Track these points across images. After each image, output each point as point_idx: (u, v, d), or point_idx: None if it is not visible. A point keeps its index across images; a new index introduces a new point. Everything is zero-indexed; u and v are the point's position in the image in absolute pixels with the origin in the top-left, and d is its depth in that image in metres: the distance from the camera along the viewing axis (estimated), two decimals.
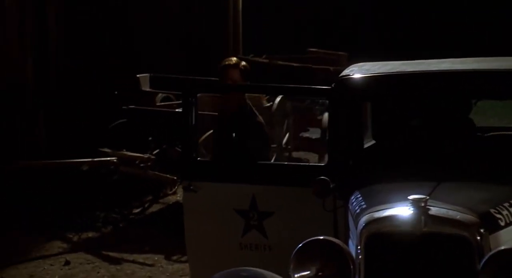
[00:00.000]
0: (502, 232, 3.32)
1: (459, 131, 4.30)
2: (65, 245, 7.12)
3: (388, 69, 4.33)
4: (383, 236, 3.30)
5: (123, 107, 8.16)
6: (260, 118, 5.31)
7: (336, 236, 4.01)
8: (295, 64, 11.26)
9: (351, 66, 4.65)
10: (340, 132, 4.22)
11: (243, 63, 5.03)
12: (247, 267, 3.73)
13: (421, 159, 4.12)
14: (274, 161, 9.25)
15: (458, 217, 3.25)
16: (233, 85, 5.02)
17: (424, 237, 3.23)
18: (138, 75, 8.61)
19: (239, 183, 4.44)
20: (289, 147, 9.84)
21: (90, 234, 7.48)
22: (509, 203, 3.46)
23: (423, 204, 3.25)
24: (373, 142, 4.99)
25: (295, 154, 10.24)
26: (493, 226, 3.30)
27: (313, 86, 4.59)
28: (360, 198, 3.71)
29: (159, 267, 6.49)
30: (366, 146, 5.02)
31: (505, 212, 3.39)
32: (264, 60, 11.98)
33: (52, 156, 7.99)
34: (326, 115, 9.58)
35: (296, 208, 4.33)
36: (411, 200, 3.27)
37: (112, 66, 8.97)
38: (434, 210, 3.26)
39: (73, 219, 7.69)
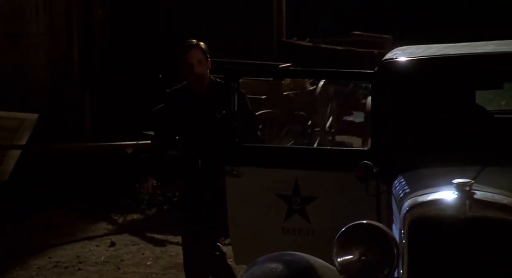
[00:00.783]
0: None
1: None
2: (110, 227, 7.23)
3: (432, 52, 4.29)
4: (427, 220, 3.27)
5: (167, 90, 8.21)
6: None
7: (379, 221, 3.98)
8: (339, 48, 11.20)
9: (394, 49, 4.61)
10: (383, 117, 4.19)
11: (202, 43, 5.00)
12: (290, 251, 3.74)
13: (466, 142, 4.07)
14: (317, 144, 9.27)
15: (504, 201, 3.20)
16: (276, 69, 5.04)
17: (469, 221, 3.19)
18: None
19: (282, 168, 4.44)
20: (333, 130, 9.81)
21: (135, 216, 7.58)
22: None
23: (467, 188, 3.22)
24: (419, 124, 4.94)
25: (338, 138, 10.21)
26: None
27: (355, 71, 4.56)
28: (404, 182, 3.69)
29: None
30: (410, 129, 5.00)
31: None
32: (308, 44, 11.95)
33: (97, 139, 8.10)
34: (369, 99, 9.53)
35: (339, 192, 4.32)
36: (455, 183, 3.23)
37: (156, 49, 9.04)
38: (479, 194, 3.22)
39: (118, 201, 7.79)
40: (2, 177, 7.34)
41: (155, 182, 4.96)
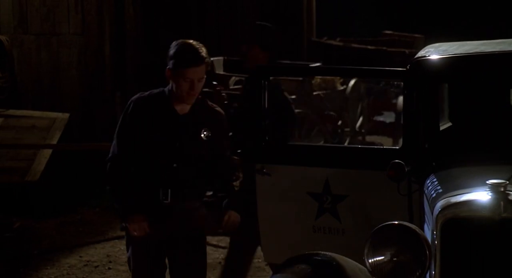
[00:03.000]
0: None
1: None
2: None
3: (465, 49, 4.21)
4: (460, 221, 3.21)
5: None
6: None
7: (411, 221, 3.94)
8: (369, 47, 11.15)
9: (427, 47, 4.54)
10: (415, 115, 4.13)
11: (206, 53, 3.82)
12: (321, 250, 3.70)
13: (499, 142, 4.00)
14: (348, 144, 9.20)
15: None
16: (306, 67, 4.98)
17: (503, 223, 3.12)
18: (211, 58, 8.66)
19: (312, 166, 4.41)
20: (363, 130, 9.75)
21: None
22: None
23: (502, 189, 3.15)
24: (450, 124, 4.89)
25: (368, 138, 10.15)
26: None
27: (387, 68, 4.51)
28: (436, 182, 3.63)
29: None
30: (442, 128, 4.94)
31: None
32: (339, 43, 11.92)
33: None
34: (400, 98, 9.45)
35: (370, 191, 4.28)
36: (489, 184, 3.17)
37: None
38: None
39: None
40: (33, 177, 7.39)
41: (144, 218, 3.75)
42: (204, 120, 3.90)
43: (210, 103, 4.00)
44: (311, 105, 8.75)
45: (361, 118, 9.82)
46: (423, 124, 4.12)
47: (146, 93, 3.90)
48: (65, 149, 7.61)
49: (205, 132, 3.89)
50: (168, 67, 3.78)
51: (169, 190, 3.81)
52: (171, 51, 3.77)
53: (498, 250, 3.16)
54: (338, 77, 9.34)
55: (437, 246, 3.24)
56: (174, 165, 3.83)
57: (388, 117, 10.53)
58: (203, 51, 3.76)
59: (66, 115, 7.82)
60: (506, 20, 15.79)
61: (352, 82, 9.37)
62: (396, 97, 9.97)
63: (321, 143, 8.50)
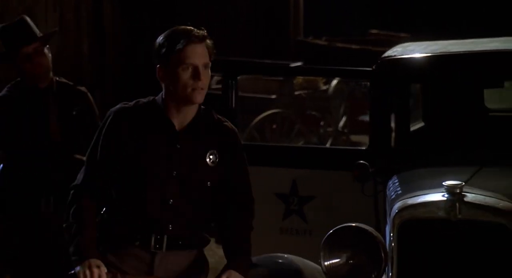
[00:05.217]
0: None
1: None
2: None
3: (432, 49, 4.18)
4: (416, 222, 3.19)
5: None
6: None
7: (377, 222, 3.92)
8: (353, 47, 11.11)
9: (396, 46, 4.51)
10: (382, 115, 4.10)
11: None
12: (288, 252, 3.68)
13: (464, 142, 3.97)
14: (330, 145, 9.18)
15: (496, 203, 3.11)
16: (273, 66, 4.93)
17: (459, 224, 3.10)
18: None
19: (279, 167, 4.37)
20: (345, 130, 9.71)
21: None
22: None
23: (458, 190, 3.12)
24: (422, 124, 4.86)
25: (353, 138, 10.11)
26: None
27: (354, 68, 4.48)
28: (397, 183, 3.60)
29: (209, 251, 6.47)
30: (414, 128, 4.91)
31: None
32: (324, 43, 11.88)
33: None
34: None
35: (337, 192, 4.25)
36: (446, 186, 3.14)
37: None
38: (470, 197, 3.13)
39: None
40: None
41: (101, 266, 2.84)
42: (210, 138, 2.93)
43: (217, 115, 3.00)
44: (292, 105, 8.72)
45: (344, 118, 9.78)
46: (388, 125, 4.10)
47: (131, 103, 2.98)
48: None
49: (211, 156, 2.92)
50: (157, 65, 2.90)
51: (165, 236, 2.89)
52: (159, 41, 2.89)
53: (454, 251, 3.14)
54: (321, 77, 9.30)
55: (393, 247, 3.22)
56: (170, 201, 2.89)
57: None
58: (202, 30, 2.91)
59: None
60: (496, 20, 15.78)
61: (334, 82, 9.33)
62: None
63: (301, 144, 8.48)
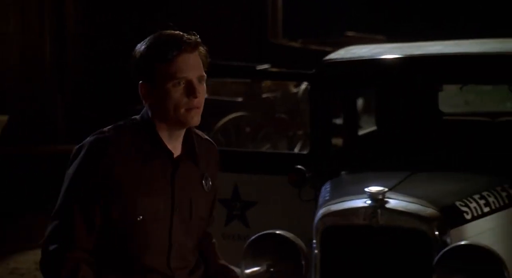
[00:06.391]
0: (468, 226, 3.12)
1: (430, 119, 4.10)
2: None
3: (373, 53, 4.13)
4: (339, 229, 3.14)
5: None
6: None
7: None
8: (327, 49, 11.05)
9: (340, 49, 4.47)
10: (321, 119, 4.05)
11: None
12: (230, 258, 3.61)
13: (400, 147, 3.92)
14: (300, 147, 9.12)
15: (417, 210, 3.06)
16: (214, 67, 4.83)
17: (381, 231, 3.06)
18: None
19: (221, 172, 4.31)
20: None
21: None
22: (480, 195, 3.24)
23: (381, 196, 3.07)
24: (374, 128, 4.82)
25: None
26: (456, 219, 3.10)
27: (295, 71, 4.42)
28: (328, 189, 3.55)
29: None
30: (363, 132, 4.86)
31: (473, 205, 3.17)
32: (297, 45, 11.83)
33: (71, 141, 7.99)
34: (360, 101, 9.38)
35: (278, 198, 4.18)
36: (368, 192, 3.09)
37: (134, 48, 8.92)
38: (392, 203, 3.08)
39: None
40: None
41: None
42: (202, 161, 2.47)
43: (198, 132, 2.52)
44: (260, 108, 8.65)
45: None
46: (325, 129, 4.03)
47: (108, 130, 2.38)
48: (3, 152, 7.49)
49: (205, 181, 2.48)
50: (140, 81, 2.36)
51: None
52: (140, 50, 2.38)
53: (376, 257, 3.09)
54: None
55: (317, 254, 3.16)
56: (176, 245, 2.40)
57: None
58: (193, 35, 2.39)
59: (5, 117, 7.68)
60: (472, 21, 15.77)
61: (304, 85, 9.27)
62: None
63: (267, 147, 8.43)
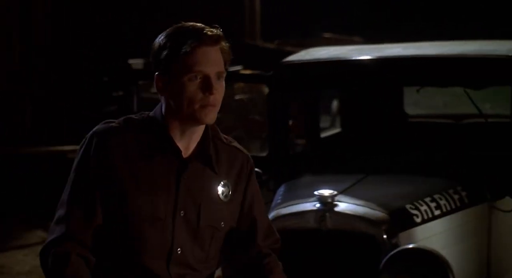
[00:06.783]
0: (418, 229, 3.10)
1: (394, 121, 4.08)
2: (45, 235, 7.04)
3: (331, 55, 4.11)
4: (288, 233, 3.09)
5: (113, 94, 8.05)
6: None
7: None
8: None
9: (302, 51, 4.45)
10: (279, 121, 4.02)
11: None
12: None
13: (361, 150, 3.90)
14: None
15: (365, 213, 3.04)
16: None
17: (330, 234, 3.03)
18: (130, 61, 8.48)
19: None
20: (290, 134, 9.62)
21: None
22: (431, 198, 3.22)
23: (330, 200, 3.04)
24: (339, 130, 4.81)
25: (300, 141, 10.01)
26: (406, 222, 3.08)
27: (253, 73, 4.39)
28: (281, 192, 3.52)
29: None
30: (327, 134, 4.85)
31: (424, 208, 3.15)
32: (273, 46, 11.82)
33: (39, 143, 7.93)
34: (335, 103, 9.36)
35: None
36: (318, 195, 3.06)
37: (103, 51, 8.86)
38: (341, 206, 3.06)
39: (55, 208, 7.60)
40: None
41: None
42: (221, 166, 2.30)
43: (225, 137, 2.36)
44: (231, 110, 8.61)
45: (290, 122, 9.68)
46: (282, 131, 4.02)
47: (119, 121, 2.29)
48: None
49: (223, 188, 2.30)
50: (156, 73, 2.25)
51: None
52: (159, 41, 2.25)
53: (325, 261, 3.06)
54: None
55: None
56: (178, 251, 2.25)
57: (324, 122, 10.42)
58: (216, 28, 2.25)
59: None
60: (476, 21, 15.80)
61: None
62: (331, 101, 9.87)
63: None
